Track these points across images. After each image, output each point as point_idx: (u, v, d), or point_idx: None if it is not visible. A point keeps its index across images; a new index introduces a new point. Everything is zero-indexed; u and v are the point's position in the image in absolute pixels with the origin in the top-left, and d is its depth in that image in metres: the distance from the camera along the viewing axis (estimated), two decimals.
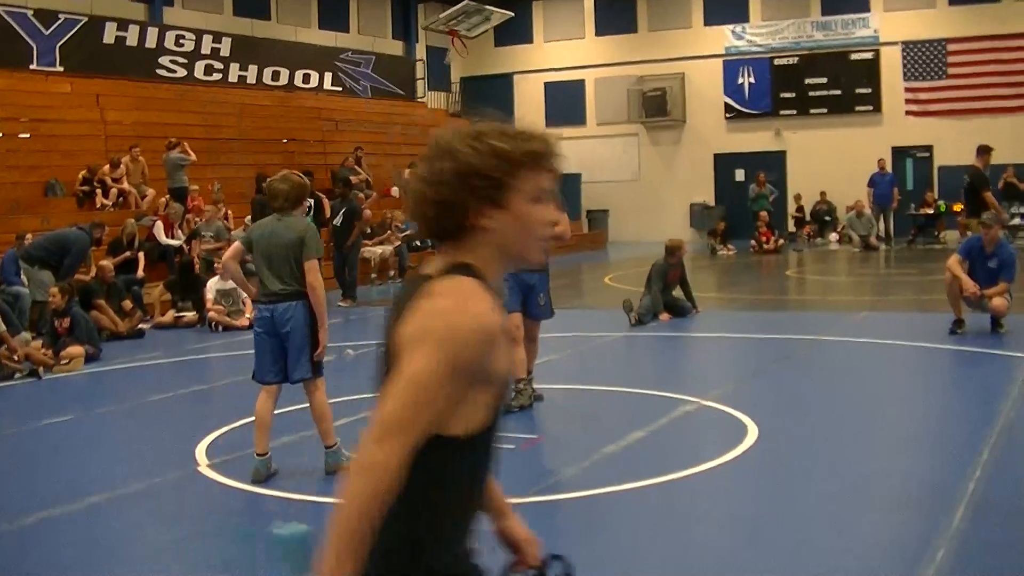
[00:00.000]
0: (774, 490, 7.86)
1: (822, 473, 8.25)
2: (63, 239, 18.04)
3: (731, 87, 37.61)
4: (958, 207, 31.40)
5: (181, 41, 29.17)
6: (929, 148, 35.13)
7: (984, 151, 20.35)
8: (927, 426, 10.17)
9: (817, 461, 8.63)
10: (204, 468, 8.94)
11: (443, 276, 2.74)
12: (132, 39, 27.98)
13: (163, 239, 21.37)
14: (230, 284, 18.45)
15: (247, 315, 18.29)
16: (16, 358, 14.24)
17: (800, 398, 11.35)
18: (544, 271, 10.70)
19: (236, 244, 8.87)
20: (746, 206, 33.17)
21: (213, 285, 18.51)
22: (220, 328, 18.08)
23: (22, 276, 17.41)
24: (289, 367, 8.52)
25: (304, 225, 8.58)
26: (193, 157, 23.94)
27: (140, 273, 20.35)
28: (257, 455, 8.57)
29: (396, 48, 38.43)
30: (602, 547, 6.69)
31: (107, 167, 23.35)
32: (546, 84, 40.65)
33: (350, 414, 10.29)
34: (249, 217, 22.48)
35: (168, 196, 23.19)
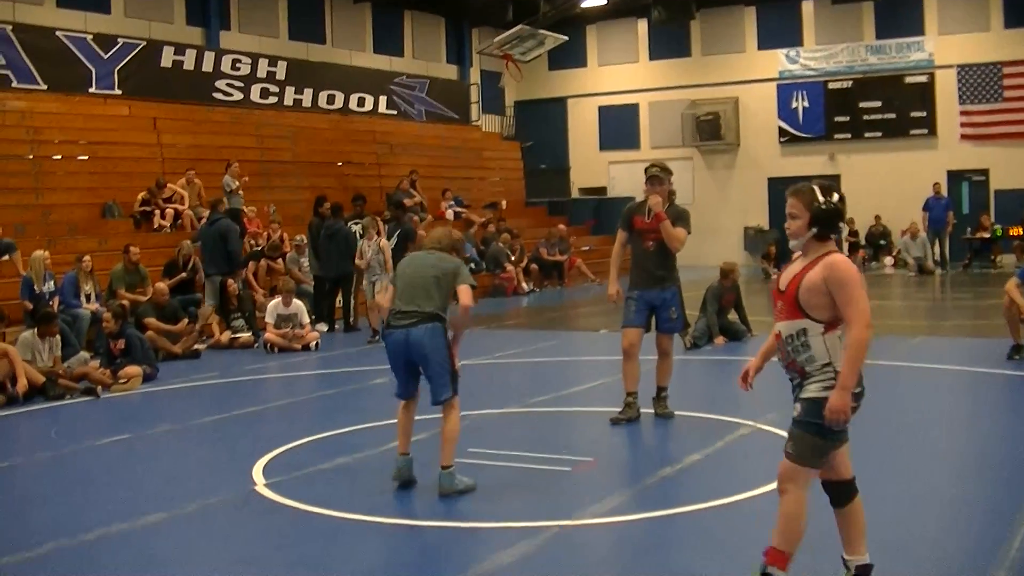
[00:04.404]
0: (830, 514, 7.82)
1: (878, 498, 8.19)
2: (214, 235, 19.78)
3: (785, 111, 37.48)
4: (1016, 231, 31.21)
5: (237, 65, 29.41)
6: (985, 172, 34.80)
7: None
8: (983, 451, 10.08)
9: (873, 485, 8.54)
10: (261, 488, 8.98)
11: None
12: (189, 63, 28.25)
13: None
14: (292, 309, 18.56)
15: (306, 336, 18.50)
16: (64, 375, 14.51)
17: (855, 422, 11.25)
18: (675, 286, 11.34)
19: (390, 288, 9.08)
20: None
21: (273, 309, 18.60)
22: (276, 350, 18.17)
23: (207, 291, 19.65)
24: (433, 390, 8.67)
25: (458, 261, 8.92)
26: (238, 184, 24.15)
27: (197, 294, 20.50)
28: (400, 455, 8.80)
29: (450, 72, 38.57)
30: (659, 570, 6.67)
31: (157, 188, 23.60)
32: (600, 108, 40.68)
33: (418, 432, 10.35)
34: (300, 237, 22.58)
35: None
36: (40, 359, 14.69)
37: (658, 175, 11.12)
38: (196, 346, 18.30)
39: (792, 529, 5.91)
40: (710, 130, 38.23)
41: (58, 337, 15.24)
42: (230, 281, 19.76)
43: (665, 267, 11.29)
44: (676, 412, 11.39)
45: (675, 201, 11.49)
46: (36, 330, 14.95)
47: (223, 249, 19.73)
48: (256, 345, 18.87)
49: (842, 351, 5.82)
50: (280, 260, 22.59)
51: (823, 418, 5.79)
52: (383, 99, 34.00)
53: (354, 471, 9.58)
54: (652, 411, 11.43)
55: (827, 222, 6.00)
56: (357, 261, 19.24)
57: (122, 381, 14.79)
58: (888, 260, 33.85)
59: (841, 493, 6.09)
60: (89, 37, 25.93)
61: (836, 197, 6.08)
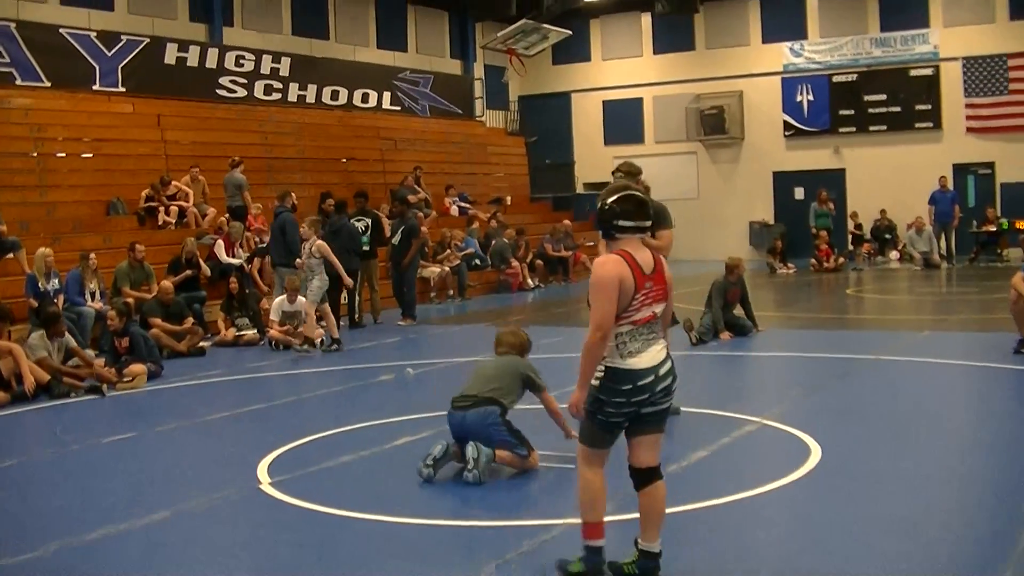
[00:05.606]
0: (840, 511, 7.78)
1: (887, 494, 8.16)
2: (276, 228, 20.34)
3: (789, 104, 37.39)
4: (1022, 224, 31.16)
5: (241, 61, 29.40)
6: (991, 165, 34.71)
7: None
8: (991, 447, 10.03)
9: (881, 481, 8.54)
10: (266, 486, 8.96)
11: None
12: (192, 60, 28.24)
13: (223, 258, 21.48)
14: (297, 306, 18.52)
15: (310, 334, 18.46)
16: (82, 374, 14.51)
17: (862, 418, 11.24)
18: None
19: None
20: (805, 224, 32.94)
21: (279, 306, 18.57)
22: (280, 347, 18.14)
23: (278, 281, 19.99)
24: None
25: (523, 364, 9.44)
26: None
27: (202, 291, 20.48)
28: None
29: (454, 67, 38.51)
30: (665, 568, 6.64)
31: (161, 185, 23.54)
32: (604, 102, 40.60)
33: (414, 432, 10.32)
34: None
35: (228, 215, 23.33)
36: (53, 360, 14.68)
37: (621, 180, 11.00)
38: (201, 343, 18.29)
39: (587, 500, 6.39)
40: (714, 124, 38.14)
41: (68, 336, 15.25)
42: (231, 279, 19.80)
43: None
44: (682, 408, 11.36)
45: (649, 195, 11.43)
46: (44, 332, 14.92)
47: (283, 241, 20.08)
48: (261, 342, 18.85)
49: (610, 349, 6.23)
50: None
51: (592, 405, 6.26)
52: (387, 95, 33.98)
53: (359, 469, 9.56)
54: None
55: (600, 222, 6.39)
56: (297, 262, 18.96)
57: (127, 379, 14.78)
58: (894, 254, 33.78)
59: (637, 478, 6.47)
60: (93, 34, 25.93)
61: (614, 198, 6.36)
